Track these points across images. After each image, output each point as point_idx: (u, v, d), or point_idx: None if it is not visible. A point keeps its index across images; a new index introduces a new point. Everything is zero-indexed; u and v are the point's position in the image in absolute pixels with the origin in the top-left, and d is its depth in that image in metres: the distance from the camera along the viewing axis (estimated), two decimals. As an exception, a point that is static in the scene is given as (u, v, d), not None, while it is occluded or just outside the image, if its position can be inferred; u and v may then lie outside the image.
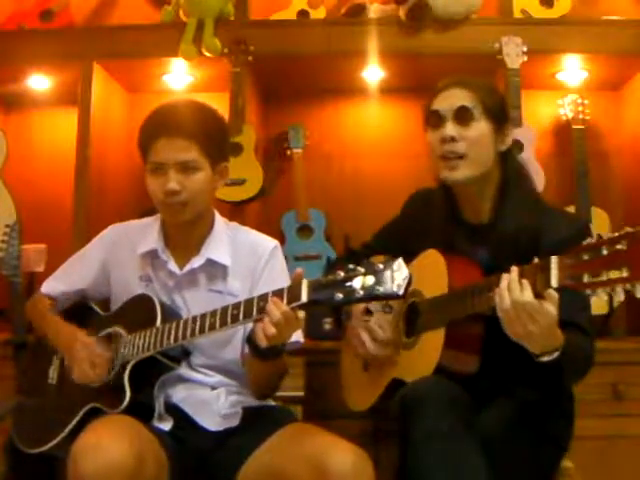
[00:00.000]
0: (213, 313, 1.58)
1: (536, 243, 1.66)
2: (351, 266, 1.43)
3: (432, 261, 1.76)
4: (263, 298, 1.52)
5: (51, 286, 1.91)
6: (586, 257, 1.33)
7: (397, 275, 1.38)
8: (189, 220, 1.74)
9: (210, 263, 1.76)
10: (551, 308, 1.43)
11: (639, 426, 2.42)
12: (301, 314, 1.51)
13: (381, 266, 1.40)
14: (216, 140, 1.75)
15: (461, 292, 1.63)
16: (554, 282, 1.40)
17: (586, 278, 1.33)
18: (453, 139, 1.74)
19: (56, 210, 2.98)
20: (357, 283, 1.40)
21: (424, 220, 1.89)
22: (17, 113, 3.18)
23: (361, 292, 1.40)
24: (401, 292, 1.38)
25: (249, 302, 1.54)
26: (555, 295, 1.43)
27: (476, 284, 1.59)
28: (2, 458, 1.80)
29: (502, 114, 1.80)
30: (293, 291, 1.47)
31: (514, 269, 1.47)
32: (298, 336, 1.73)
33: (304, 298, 1.45)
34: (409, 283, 1.39)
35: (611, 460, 2.39)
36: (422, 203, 1.95)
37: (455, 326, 1.65)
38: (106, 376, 1.67)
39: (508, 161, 1.80)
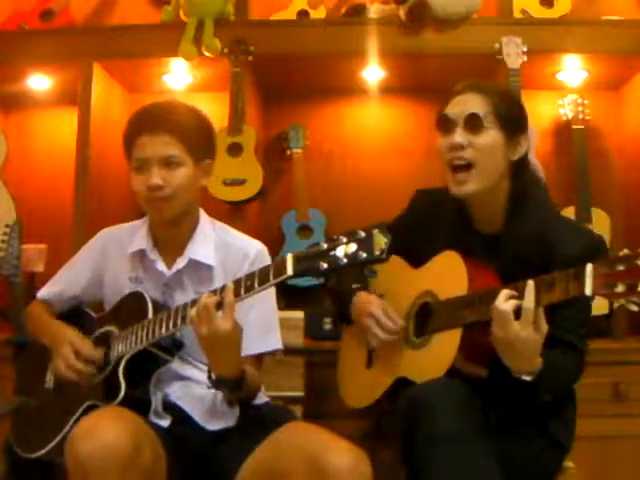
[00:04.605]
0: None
1: (549, 256, 1.64)
2: (334, 237, 1.46)
3: (451, 263, 1.73)
4: (250, 277, 1.54)
5: (46, 291, 1.95)
6: (621, 267, 1.34)
7: (379, 240, 1.41)
8: (173, 217, 1.75)
9: (195, 264, 1.78)
10: (545, 328, 1.49)
11: (639, 426, 2.42)
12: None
13: (362, 233, 1.43)
14: (199, 136, 1.77)
15: (482, 295, 1.60)
16: (588, 290, 1.39)
17: (620, 288, 1.33)
18: (461, 146, 1.70)
19: (56, 210, 2.98)
20: (340, 251, 1.43)
21: (432, 223, 1.86)
22: (17, 113, 3.18)
23: (345, 259, 1.42)
24: (384, 256, 1.41)
25: (237, 283, 1.55)
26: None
27: (500, 287, 1.56)
28: (2, 458, 1.80)
29: (516, 123, 1.74)
30: (279, 266, 1.50)
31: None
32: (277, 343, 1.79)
33: (290, 271, 1.47)
34: (390, 246, 1.42)
35: (611, 460, 2.39)
36: (430, 205, 1.90)
37: (471, 330, 1.62)
38: (95, 375, 1.69)
39: (520, 171, 1.75)
